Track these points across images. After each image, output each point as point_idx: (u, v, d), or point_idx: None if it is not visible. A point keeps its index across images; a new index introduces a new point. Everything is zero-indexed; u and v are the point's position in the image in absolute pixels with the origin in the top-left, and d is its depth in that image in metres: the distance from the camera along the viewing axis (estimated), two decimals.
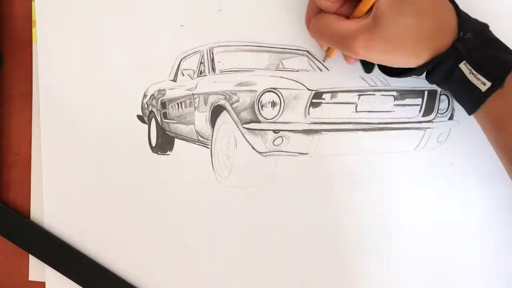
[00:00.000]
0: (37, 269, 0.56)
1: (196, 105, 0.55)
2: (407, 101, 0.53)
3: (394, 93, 0.52)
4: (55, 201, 0.55)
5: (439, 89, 0.53)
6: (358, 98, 0.52)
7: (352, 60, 0.50)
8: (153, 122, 0.55)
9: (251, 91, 0.52)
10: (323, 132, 0.53)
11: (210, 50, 0.54)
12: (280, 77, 0.53)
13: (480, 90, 0.42)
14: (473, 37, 0.43)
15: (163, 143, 0.55)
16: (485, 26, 0.44)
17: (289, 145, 0.53)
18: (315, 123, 0.52)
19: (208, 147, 0.54)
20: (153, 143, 0.55)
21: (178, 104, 0.55)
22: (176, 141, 0.55)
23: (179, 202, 0.54)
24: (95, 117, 0.54)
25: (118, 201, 0.55)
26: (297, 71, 0.54)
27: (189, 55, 0.54)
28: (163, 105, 0.55)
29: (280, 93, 0.52)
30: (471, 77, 0.43)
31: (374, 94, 0.52)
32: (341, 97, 0.52)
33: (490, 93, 0.42)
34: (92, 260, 0.54)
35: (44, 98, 0.55)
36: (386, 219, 0.53)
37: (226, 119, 0.54)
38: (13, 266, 0.56)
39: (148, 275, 0.55)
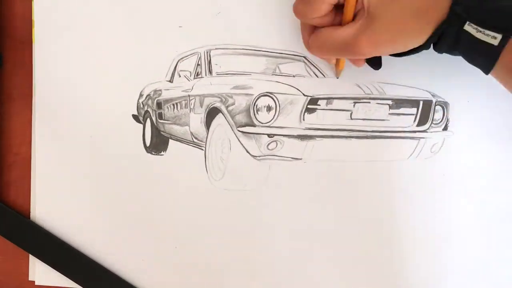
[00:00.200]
0: (37, 269, 0.56)
1: (192, 106, 0.55)
2: (402, 110, 0.53)
3: (389, 102, 0.53)
4: (55, 200, 0.55)
5: (434, 99, 0.53)
6: (354, 105, 0.52)
7: (361, 62, 0.50)
8: (148, 122, 0.55)
9: (247, 94, 0.52)
10: (317, 138, 0.53)
11: (207, 52, 0.54)
12: (277, 81, 0.53)
13: (493, 44, 0.42)
14: None
15: (158, 143, 0.55)
16: None
17: (283, 150, 0.53)
18: (309, 129, 0.53)
19: (202, 149, 0.54)
20: (148, 143, 0.55)
21: (173, 105, 0.56)
22: (171, 141, 0.55)
23: (171, 203, 0.54)
24: (90, 116, 0.54)
25: (111, 200, 0.55)
26: (294, 76, 0.54)
27: (186, 56, 0.54)
28: (159, 105, 0.55)
29: (276, 97, 0.52)
30: (479, 35, 0.42)
31: (369, 102, 0.53)
32: (336, 104, 0.52)
33: (504, 44, 0.41)
34: (92, 260, 0.54)
35: (40, 97, 0.55)
36: (377, 227, 0.54)
37: (221, 122, 0.54)
38: (13, 266, 0.56)
39: (139, 275, 0.55)
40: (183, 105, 0.55)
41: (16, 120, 0.56)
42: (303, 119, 0.52)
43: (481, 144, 0.53)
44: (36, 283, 0.56)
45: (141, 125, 0.55)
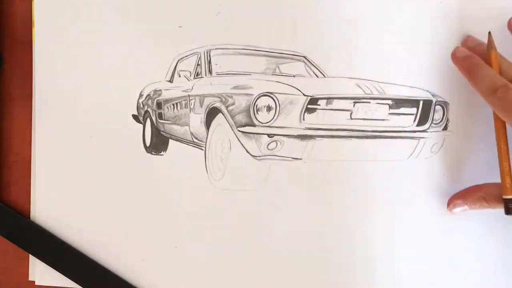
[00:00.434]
0: (37, 269, 0.56)
1: (192, 106, 0.55)
2: (402, 110, 0.53)
3: (389, 102, 0.53)
4: (55, 201, 0.55)
5: (434, 99, 0.53)
6: (354, 105, 0.52)
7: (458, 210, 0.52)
8: (148, 122, 0.55)
9: (247, 94, 0.52)
10: (317, 138, 0.53)
11: (207, 52, 0.54)
12: (277, 81, 0.53)
13: None
14: None
15: (158, 143, 0.55)
16: None
17: (283, 150, 0.53)
18: (309, 128, 0.53)
19: (202, 149, 0.54)
20: (148, 143, 0.55)
21: (173, 105, 0.56)
22: (171, 141, 0.55)
23: (171, 202, 0.54)
24: (90, 116, 0.54)
25: (111, 200, 0.55)
26: (294, 76, 0.54)
27: (186, 56, 0.54)
28: (159, 105, 0.55)
29: (276, 97, 0.52)
30: None
31: (369, 102, 0.53)
32: (336, 103, 0.52)
33: None
34: (92, 260, 0.54)
35: (40, 97, 0.55)
36: (378, 227, 0.54)
37: (221, 122, 0.54)
38: (13, 266, 0.56)
39: (139, 275, 0.55)
40: (183, 105, 0.55)
41: (16, 120, 0.56)
42: (303, 119, 0.52)
43: (480, 144, 0.53)
44: (36, 283, 0.56)
45: (141, 125, 0.55)
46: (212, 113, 0.54)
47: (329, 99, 0.52)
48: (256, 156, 0.53)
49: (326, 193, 0.54)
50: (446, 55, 0.52)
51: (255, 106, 0.52)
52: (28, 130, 0.55)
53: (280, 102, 0.52)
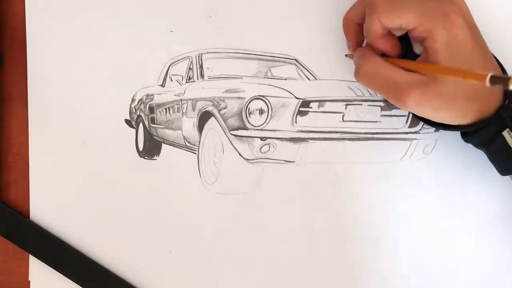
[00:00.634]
0: (37, 269, 0.55)
1: (184, 110, 0.55)
2: (394, 111, 0.53)
3: (381, 104, 0.53)
4: (55, 201, 0.55)
5: None
6: (345, 107, 0.53)
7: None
8: (141, 126, 0.55)
9: (239, 98, 0.53)
10: (310, 141, 0.53)
11: (199, 56, 0.54)
12: (268, 85, 0.53)
13: None
14: None
15: (150, 147, 0.55)
16: None
17: (276, 153, 0.53)
18: (302, 131, 0.53)
19: (195, 153, 0.54)
20: (140, 147, 0.55)
21: (166, 109, 0.56)
22: (164, 146, 0.55)
23: (165, 207, 0.54)
24: (83, 120, 0.54)
25: (107, 204, 0.54)
26: (285, 79, 0.54)
27: (178, 60, 0.54)
28: (151, 110, 0.55)
29: (268, 100, 0.52)
30: None
31: (361, 104, 0.53)
32: (328, 106, 0.53)
33: None
34: (92, 260, 0.54)
35: (33, 101, 0.55)
36: (371, 229, 0.54)
37: (214, 125, 0.54)
38: (13, 266, 0.56)
39: (139, 275, 0.55)
40: (176, 109, 0.55)
41: (16, 120, 0.55)
42: (296, 122, 0.52)
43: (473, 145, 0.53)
44: (36, 283, 0.55)
45: (134, 130, 0.55)
46: (204, 117, 0.54)
47: (321, 101, 0.52)
48: (249, 160, 0.54)
49: (319, 195, 0.54)
50: None
51: (247, 110, 0.52)
52: (27, 130, 0.55)
53: (272, 105, 0.52)
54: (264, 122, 0.52)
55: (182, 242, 0.54)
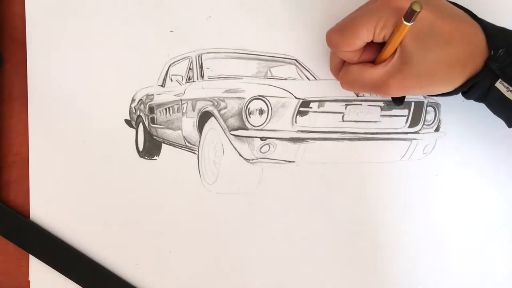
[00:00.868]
0: (37, 269, 0.55)
1: (184, 110, 0.55)
2: (394, 111, 0.53)
3: (381, 104, 0.53)
4: (55, 201, 0.55)
5: (425, 101, 0.53)
6: (345, 107, 0.53)
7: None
8: (141, 126, 0.55)
9: (239, 98, 0.53)
10: (309, 141, 0.53)
11: (199, 56, 0.54)
12: (268, 85, 0.53)
13: None
14: (505, 53, 0.42)
15: (150, 148, 0.55)
16: None
17: (276, 153, 0.53)
18: (302, 131, 0.53)
19: (195, 153, 0.54)
20: (140, 147, 0.55)
21: (166, 109, 0.56)
22: (163, 146, 0.55)
23: (165, 207, 0.54)
24: (83, 120, 0.54)
25: (107, 204, 0.54)
26: (285, 79, 0.54)
27: (178, 60, 0.54)
28: (151, 110, 0.55)
29: (268, 101, 0.52)
30: (509, 94, 0.42)
31: (361, 104, 0.53)
32: (328, 106, 0.53)
33: None
34: (92, 260, 0.54)
35: (33, 101, 0.55)
36: (370, 228, 0.54)
37: (214, 126, 0.54)
38: (13, 266, 0.56)
39: (139, 275, 0.55)
40: (175, 109, 0.55)
41: (17, 120, 0.55)
42: (295, 122, 0.52)
43: (472, 145, 0.53)
44: (36, 283, 0.55)
45: (134, 130, 0.55)
46: (204, 117, 0.54)
47: (321, 101, 0.52)
48: (249, 159, 0.54)
49: (319, 195, 0.54)
50: None
51: (247, 110, 0.52)
52: (27, 130, 0.55)
53: (272, 105, 0.52)
54: (264, 122, 0.52)
55: (182, 242, 0.54)
